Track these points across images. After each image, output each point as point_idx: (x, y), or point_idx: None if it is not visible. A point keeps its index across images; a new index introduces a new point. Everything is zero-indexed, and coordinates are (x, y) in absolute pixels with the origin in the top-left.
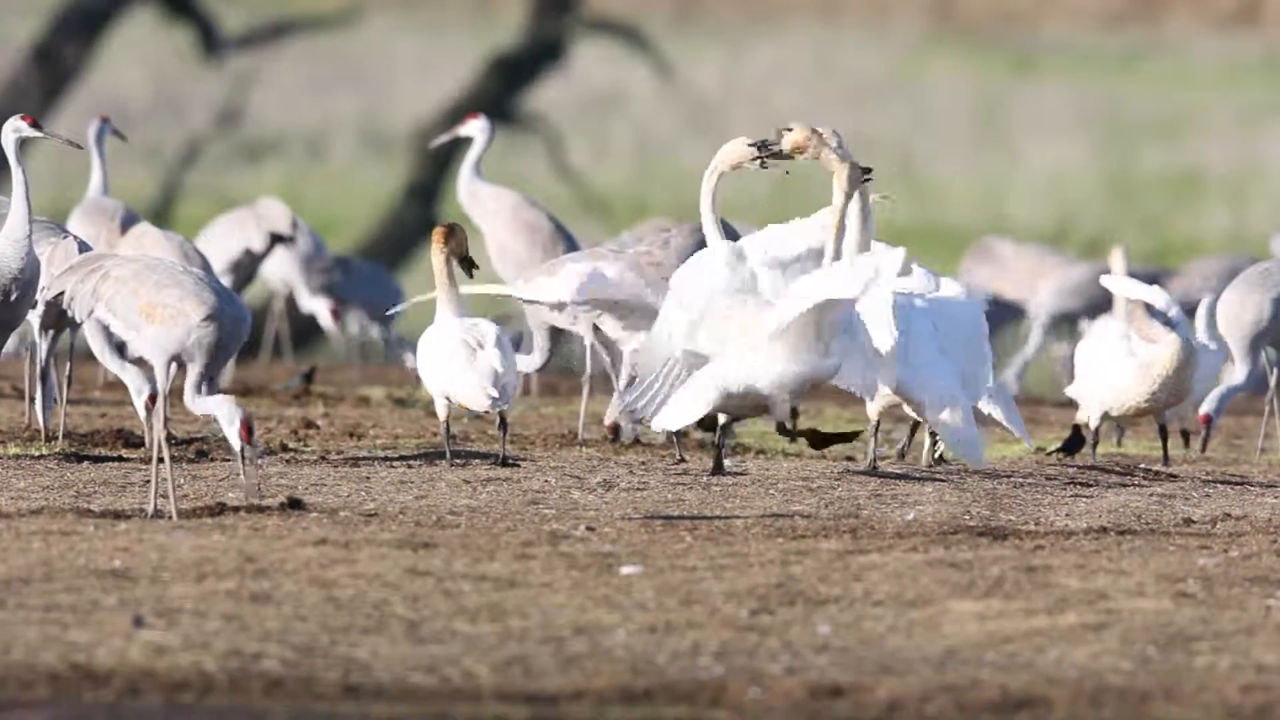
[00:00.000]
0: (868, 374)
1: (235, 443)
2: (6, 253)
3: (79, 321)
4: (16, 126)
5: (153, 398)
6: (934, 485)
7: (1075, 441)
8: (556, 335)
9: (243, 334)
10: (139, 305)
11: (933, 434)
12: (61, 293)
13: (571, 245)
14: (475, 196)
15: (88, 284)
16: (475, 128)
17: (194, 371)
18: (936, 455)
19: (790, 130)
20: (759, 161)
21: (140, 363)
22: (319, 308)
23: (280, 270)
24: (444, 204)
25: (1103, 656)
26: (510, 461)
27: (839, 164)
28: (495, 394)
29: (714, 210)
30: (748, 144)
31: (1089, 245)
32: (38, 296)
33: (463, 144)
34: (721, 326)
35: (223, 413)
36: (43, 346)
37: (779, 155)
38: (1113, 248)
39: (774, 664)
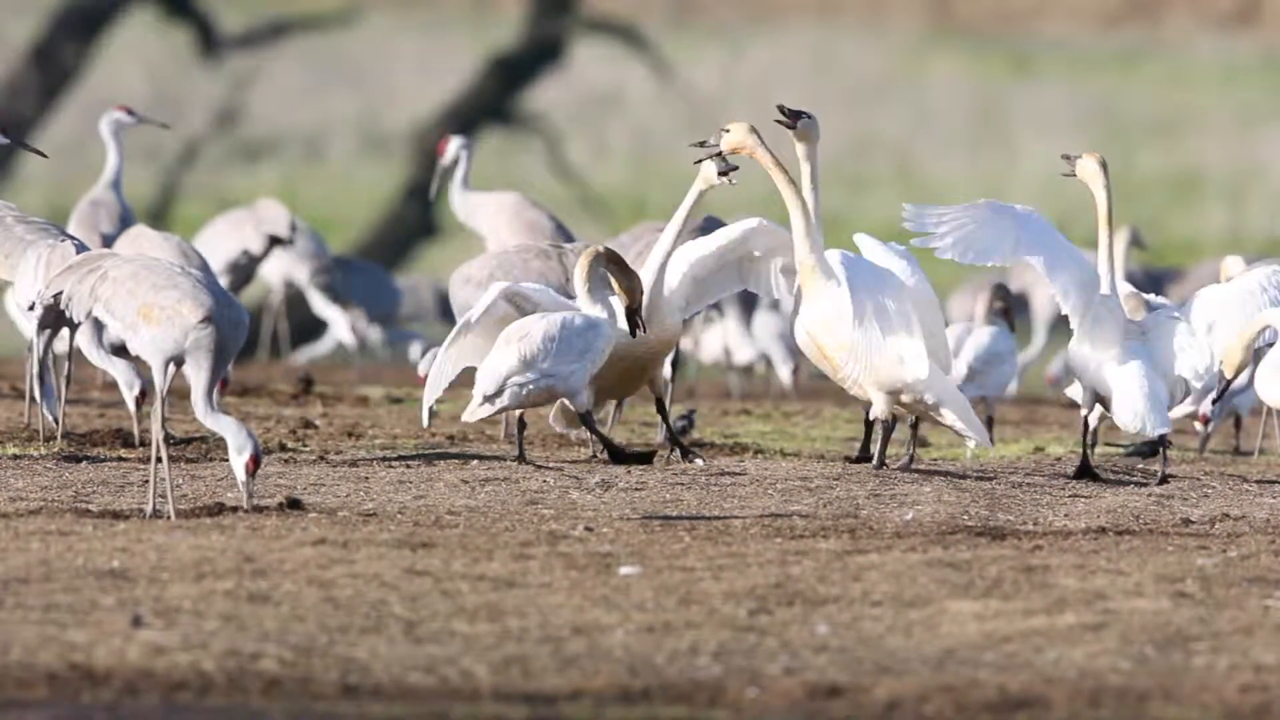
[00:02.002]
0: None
1: (240, 474)
2: None
3: (77, 322)
4: None
5: (143, 393)
6: (932, 485)
7: (1153, 446)
8: None
9: (241, 336)
10: (136, 306)
11: (913, 429)
12: (59, 293)
13: (570, 239)
14: (471, 205)
15: (85, 284)
16: (454, 149)
17: (201, 379)
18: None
19: (728, 130)
20: (727, 177)
21: (139, 361)
22: (337, 318)
23: (281, 269)
24: (443, 204)
25: (1101, 656)
26: (527, 461)
27: (772, 165)
28: (481, 401)
29: (684, 225)
30: (698, 160)
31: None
32: (35, 298)
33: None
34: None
35: (234, 440)
36: (41, 347)
37: (720, 155)
38: (1121, 228)
39: (772, 664)
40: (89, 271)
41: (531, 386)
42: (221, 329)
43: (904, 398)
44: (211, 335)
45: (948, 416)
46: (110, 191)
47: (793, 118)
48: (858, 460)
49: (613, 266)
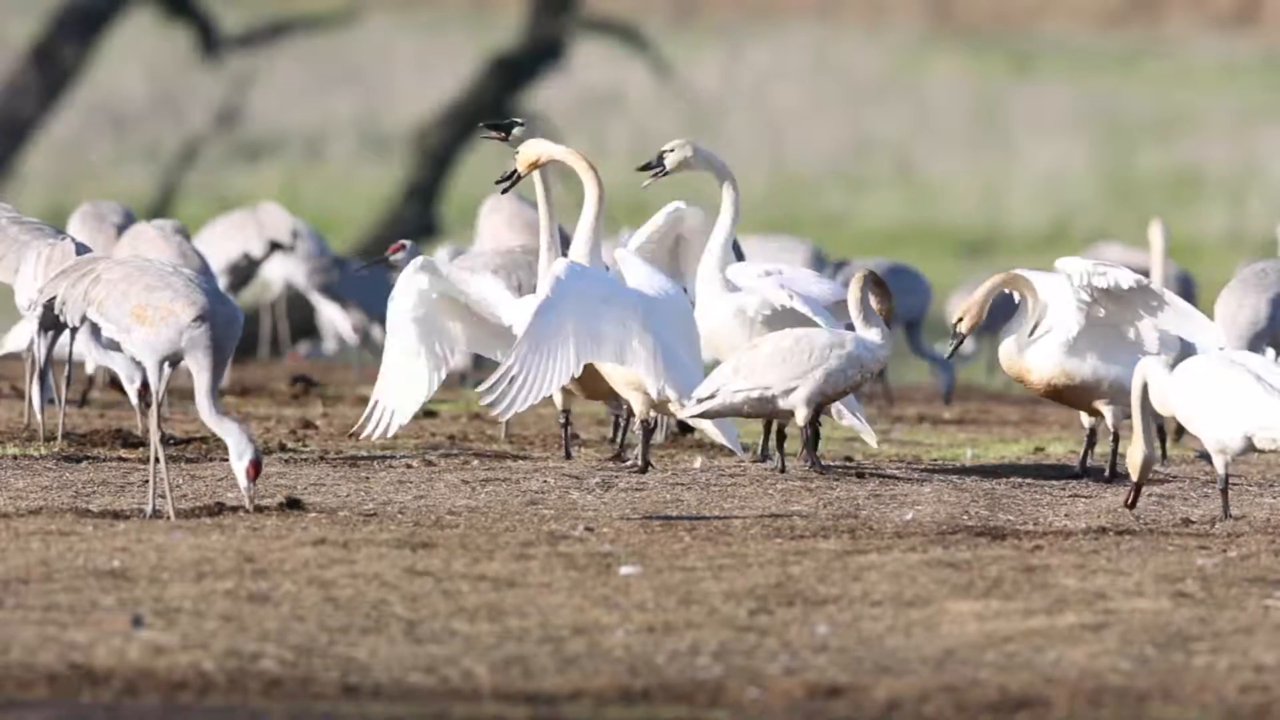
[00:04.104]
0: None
1: (241, 480)
2: None
3: (72, 326)
4: None
5: (145, 385)
6: (932, 485)
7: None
8: None
9: (236, 333)
10: (130, 307)
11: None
12: (54, 296)
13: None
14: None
15: (79, 288)
16: (404, 256)
17: (203, 378)
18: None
19: (519, 153)
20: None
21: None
22: (337, 316)
23: (282, 270)
24: (443, 204)
25: (1101, 656)
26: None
27: (569, 156)
28: (694, 400)
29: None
30: (505, 191)
31: (1087, 245)
32: (32, 298)
33: (462, 154)
34: None
35: (235, 445)
36: (41, 347)
37: (518, 178)
38: (1153, 223)
39: (772, 664)
40: (81, 275)
41: (746, 395)
42: (216, 327)
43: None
44: (206, 334)
45: (701, 421)
46: (100, 203)
47: (502, 130)
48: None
49: (873, 287)
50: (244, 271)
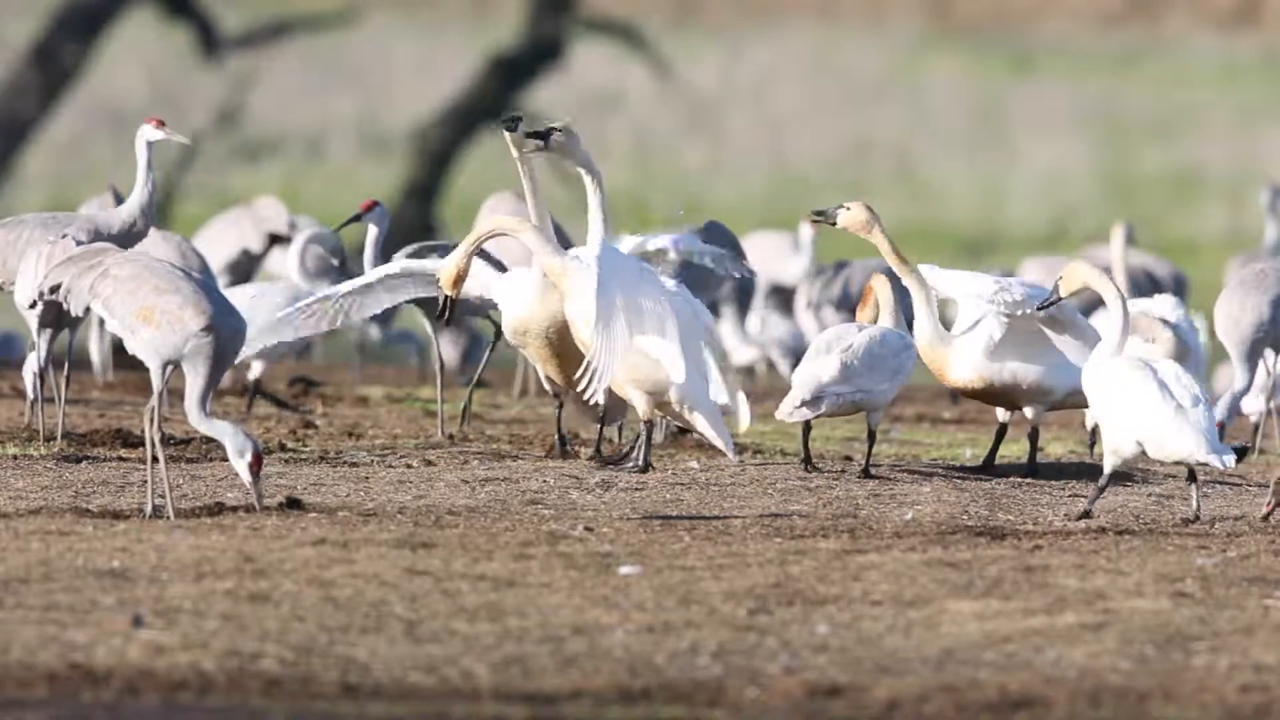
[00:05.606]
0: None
1: (245, 476)
2: None
3: (74, 315)
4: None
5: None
6: (932, 485)
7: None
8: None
9: (238, 346)
10: (137, 308)
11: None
12: (58, 285)
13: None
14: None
15: (85, 279)
16: (373, 217)
17: (197, 384)
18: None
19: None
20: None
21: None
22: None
23: (282, 269)
24: (443, 204)
25: (1101, 656)
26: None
27: (508, 227)
28: (798, 405)
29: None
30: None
31: (1087, 245)
32: (35, 287)
33: (462, 154)
34: None
35: (232, 443)
36: (41, 347)
37: (451, 304)
38: (1114, 226)
39: (772, 664)
40: (89, 267)
41: (845, 398)
42: (221, 336)
43: (661, 400)
44: (211, 344)
45: (699, 423)
46: (110, 196)
47: (510, 125)
48: (614, 461)
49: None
50: (244, 269)
